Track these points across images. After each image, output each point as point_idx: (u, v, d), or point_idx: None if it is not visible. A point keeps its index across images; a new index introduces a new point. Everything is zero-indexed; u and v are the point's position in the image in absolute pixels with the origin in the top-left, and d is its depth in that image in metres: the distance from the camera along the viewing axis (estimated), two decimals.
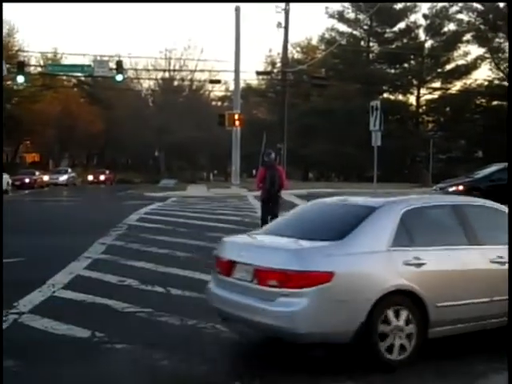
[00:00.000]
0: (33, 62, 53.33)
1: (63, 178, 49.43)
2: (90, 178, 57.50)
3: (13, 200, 28.63)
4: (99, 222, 16.92)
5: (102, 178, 57.65)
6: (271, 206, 13.44)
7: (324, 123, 52.58)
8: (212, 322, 6.86)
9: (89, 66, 32.02)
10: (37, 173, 44.75)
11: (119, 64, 31.64)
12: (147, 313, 7.38)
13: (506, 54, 55.04)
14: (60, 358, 5.89)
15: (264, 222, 13.54)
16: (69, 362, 5.74)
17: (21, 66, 30.42)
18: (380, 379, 5.32)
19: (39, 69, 50.69)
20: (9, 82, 44.45)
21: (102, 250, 11.96)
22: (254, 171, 53.16)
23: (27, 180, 40.95)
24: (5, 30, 54.00)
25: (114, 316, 7.32)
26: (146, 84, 60.84)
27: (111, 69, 32.10)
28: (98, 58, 33.32)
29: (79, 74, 44.95)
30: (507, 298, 5.82)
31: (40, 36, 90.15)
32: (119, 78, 31.61)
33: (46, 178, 46.21)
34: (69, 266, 10.36)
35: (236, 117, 32.01)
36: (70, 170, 53.89)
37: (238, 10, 32.81)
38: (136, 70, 54.26)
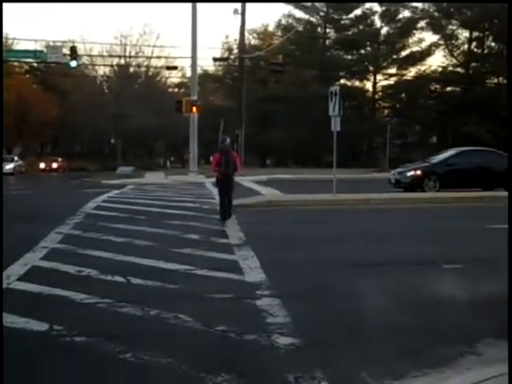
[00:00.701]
0: None
1: (9, 166, 46.44)
2: (42, 165, 55.50)
3: None
4: (55, 210, 16.52)
5: (54, 165, 55.62)
6: (226, 190, 14.23)
7: (281, 109, 52.56)
8: (175, 312, 6.71)
9: (41, 51, 31.15)
10: None
11: (73, 50, 30.89)
12: (107, 303, 7.17)
13: (459, 41, 56.00)
14: (17, 353, 5.66)
15: (222, 205, 14.30)
16: (27, 357, 5.52)
17: None
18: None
19: None
20: None
21: (59, 240, 11.63)
22: (211, 158, 52.64)
23: None
24: None
25: (73, 308, 7.08)
26: (101, 70, 59.71)
27: (65, 54, 31.33)
28: (51, 43, 32.46)
29: (31, 60, 43.69)
30: None
31: None
32: (73, 63, 30.87)
33: None
34: (24, 256, 10.04)
35: (193, 103, 31.63)
36: (16, 158, 50.89)
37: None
38: (91, 56, 53.10)
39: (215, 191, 22.37)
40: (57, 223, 13.63)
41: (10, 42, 56.77)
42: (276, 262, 9.55)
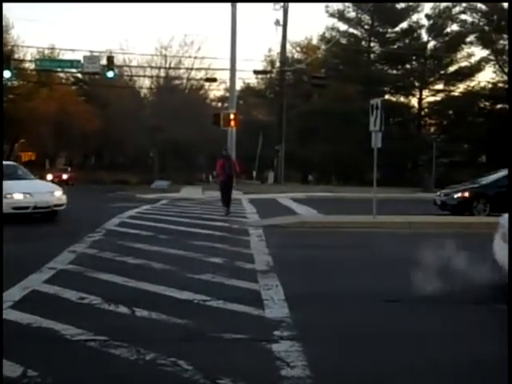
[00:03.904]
0: (28, 58, 52.07)
1: None
2: (50, 177, 49.95)
3: None
4: (75, 226, 15.70)
5: (64, 177, 51.13)
6: (228, 187, 18.86)
7: (323, 124, 51.43)
8: (174, 356, 5.70)
9: (78, 61, 30.82)
10: None
11: (110, 60, 30.50)
12: (100, 342, 6.19)
13: None
14: None
15: (224, 199, 18.98)
16: None
17: (7, 61, 29.27)
18: None
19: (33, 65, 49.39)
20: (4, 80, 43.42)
21: (70, 260, 10.78)
22: (254, 172, 52.68)
23: None
24: None
25: (59, 346, 6.13)
26: (141, 82, 59.50)
27: (103, 65, 30.94)
28: (90, 53, 32.17)
29: (74, 70, 43.66)
30: None
31: (36, 33, 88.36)
32: (110, 74, 30.43)
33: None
34: (27, 278, 9.22)
35: (231, 117, 30.73)
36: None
37: (234, 5, 31.51)
38: (129, 66, 52.89)
39: (250, 209, 21.55)
40: (73, 240, 12.83)
41: (57, 52, 57.20)
42: (303, 294, 8.45)
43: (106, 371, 5.49)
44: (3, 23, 52.92)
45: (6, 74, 29.77)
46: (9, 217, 15.51)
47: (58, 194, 16.95)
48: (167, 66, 53.45)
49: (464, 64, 55.35)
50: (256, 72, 41.22)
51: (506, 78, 54.15)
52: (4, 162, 20.35)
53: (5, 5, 73.33)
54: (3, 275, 9.45)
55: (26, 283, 8.89)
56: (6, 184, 16.43)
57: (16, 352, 5.83)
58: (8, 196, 16.00)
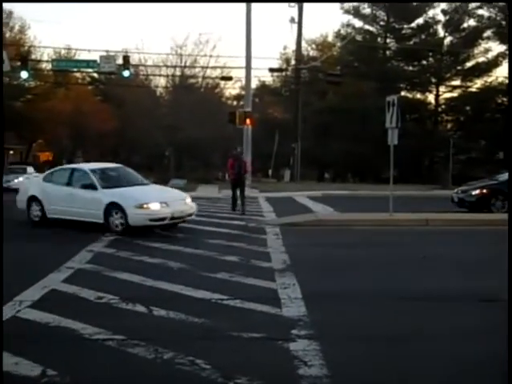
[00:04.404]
0: (45, 58, 52.33)
1: (19, 180, 31.77)
2: None
3: None
4: (92, 225, 15.74)
5: None
6: (240, 186, 18.75)
7: (339, 122, 51.22)
8: (192, 355, 5.72)
9: (94, 61, 30.95)
10: None
11: (126, 59, 30.59)
12: (118, 341, 6.22)
13: None
14: None
15: (234, 199, 18.98)
16: None
17: (24, 62, 29.47)
18: None
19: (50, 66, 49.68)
20: (20, 80, 43.76)
21: (88, 259, 10.84)
22: (270, 171, 52.75)
23: None
24: (16, 27, 53.55)
25: (78, 345, 6.18)
26: (156, 81, 59.64)
27: (119, 65, 31.06)
28: (106, 53, 32.27)
29: (90, 70, 43.91)
30: None
31: (53, 33, 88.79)
32: (126, 73, 30.53)
33: None
34: (46, 277, 9.30)
35: (247, 115, 30.66)
36: (31, 170, 38.25)
37: (248, 4, 31.35)
38: (145, 66, 53.00)
39: (266, 207, 21.51)
40: (91, 239, 12.90)
41: (73, 52, 57.48)
42: (320, 293, 8.43)
43: (123, 370, 5.52)
44: (20, 24, 53.51)
45: (24, 74, 30.02)
46: (136, 228, 13.77)
47: (189, 201, 15.19)
48: (182, 64, 53.59)
49: (481, 59, 54.79)
50: (271, 70, 41.01)
51: None
52: (112, 165, 17.10)
53: (20, 6, 73.36)
54: (22, 275, 9.57)
55: (45, 282, 8.96)
56: (131, 191, 14.46)
57: (35, 351, 5.90)
58: (144, 206, 13.73)
